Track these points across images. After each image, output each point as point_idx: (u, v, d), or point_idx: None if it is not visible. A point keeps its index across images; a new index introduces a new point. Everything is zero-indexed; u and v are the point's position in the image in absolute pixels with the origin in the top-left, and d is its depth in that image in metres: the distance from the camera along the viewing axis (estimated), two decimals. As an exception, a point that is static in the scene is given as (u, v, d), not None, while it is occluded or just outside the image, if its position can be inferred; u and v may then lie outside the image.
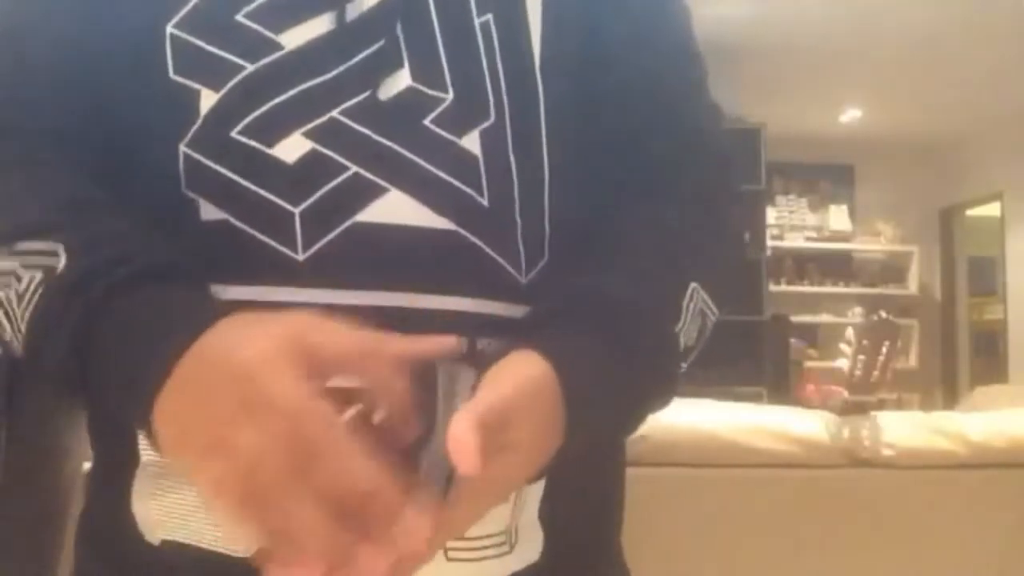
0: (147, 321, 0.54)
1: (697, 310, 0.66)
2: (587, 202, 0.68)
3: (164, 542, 0.62)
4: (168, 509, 0.62)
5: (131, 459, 0.64)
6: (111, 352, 0.54)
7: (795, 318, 6.59)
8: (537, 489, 0.65)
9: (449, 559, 0.61)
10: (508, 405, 0.52)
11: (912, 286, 7.61)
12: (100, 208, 0.60)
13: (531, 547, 0.65)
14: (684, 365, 0.67)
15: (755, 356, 5.56)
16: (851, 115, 7.01)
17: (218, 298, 0.58)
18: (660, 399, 0.65)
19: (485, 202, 0.64)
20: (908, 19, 5.16)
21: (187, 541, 0.62)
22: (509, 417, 0.52)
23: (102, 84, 0.65)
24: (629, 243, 0.67)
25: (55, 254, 0.56)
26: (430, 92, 0.64)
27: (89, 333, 0.54)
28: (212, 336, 0.51)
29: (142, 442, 0.63)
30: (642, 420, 0.65)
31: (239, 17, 0.63)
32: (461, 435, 0.48)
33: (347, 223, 0.61)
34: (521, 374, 0.55)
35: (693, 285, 0.66)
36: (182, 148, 0.62)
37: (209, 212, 0.62)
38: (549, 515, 0.66)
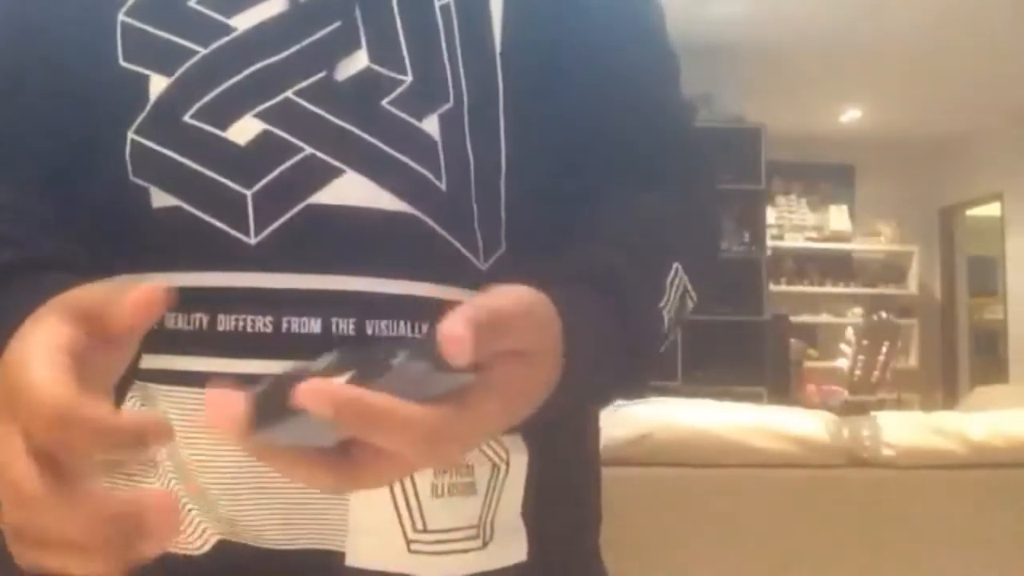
0: None
1: (680, 291, 0.65)
2: (546, 192, 0.66)
3: None
4: None
5: None
6: None
7: (795, 318, 6.59)
8: (516, 485, 0.64)
9: (411, 551, 0.60)
10: (506, 311, 0.49)
11: (912, 286, 7.62)
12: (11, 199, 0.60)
13: (514, 546, 0.64)
14: (661, 350, 0.66)
15: (755, 356, 5.56)
16: (851, 115, 7.02)
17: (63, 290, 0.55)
18: (641, 374, 0.64)
19: (443, 186, 0.62)
20: (908, 19, 5.16)
21: None
22: (507, 322, 0.49)
23: (52, 76, 0.64)
24: (610, 223, 0.66)
25: None
26: (388, 73, 0.63)
27: None
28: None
29: None
30: (622, 390, 0.63)
31: (191, 3, 0.62)
32: (451, 328, 0.44)
33: (300, 205, 0.59)
34: (519, 289, 0.52)
35: (676, 265, 0.65)
36: (130, 135, 0.61)
37: (161, 199, 0.61)
38: (533, 514, 0.64)
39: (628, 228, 0.66)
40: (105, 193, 0.62)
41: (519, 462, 0.64)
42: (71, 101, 0.63)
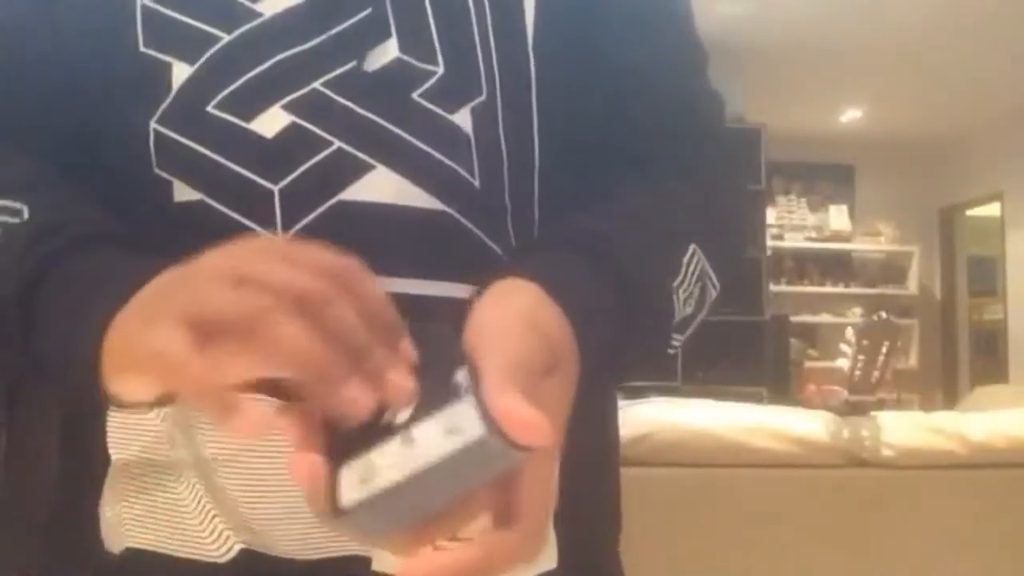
0: (101, 271, 0.51)
1: (697, 272, 0.62)
2: (576, 187, 0.64)
3: (127, 551, 0.59)
4: (139, 513, 0.59)
5: (102, 462, 0.60)
6: (61, 296, 0.52)
7: (795, 318, 6.58)
8: None
9: None
10: (525, 346, 0.46)
11: (912, 286, 7.61)
12: (61, 180, 0.59)
13: (546, 554, 0.61)
14: (681, 337, 0.62)
15: (755, 356, 5.55)
16: (851, 115, 7.01)
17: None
18: (648, 344, 0.60)
19: (476, 183, 0.60)
20: (908, 19, 5.16)
21: (154, 548, 0.58)
22: (532, 357, 0.46)
23: (70, 63, 0.62)
24: (625, 203, 0.63)
25: (19, 212, 0.55)
26: (419, 65, 0.60)
27: (38, 284, 0.52)
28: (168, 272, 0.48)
29: (112, 444, 0.60)
30: (633, 361, 0.60)
31: None
32: (517, 413, 0.41)
33: (330, 202, 0.57)
34: (512, 305, 0.49)
35: (694, 247, 0.62)
36: (152, 125, 0.59)
37: (183, 192, 0.58)
38: (563, 522, 0.62)
39: (640, 205, 0.63)
40: (123, 185, 0.60)
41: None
42: (86, 88, 0.61)
